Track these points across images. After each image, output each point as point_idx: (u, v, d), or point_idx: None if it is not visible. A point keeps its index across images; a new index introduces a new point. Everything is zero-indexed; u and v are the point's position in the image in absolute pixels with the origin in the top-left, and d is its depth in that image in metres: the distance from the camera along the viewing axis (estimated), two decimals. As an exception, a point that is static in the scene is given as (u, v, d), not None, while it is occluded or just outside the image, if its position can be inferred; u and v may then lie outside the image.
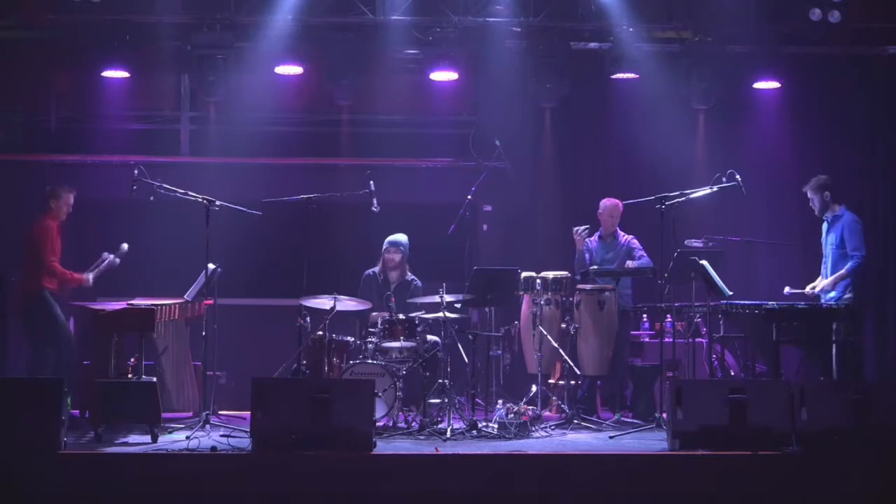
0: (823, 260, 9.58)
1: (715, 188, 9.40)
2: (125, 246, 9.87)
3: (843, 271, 9.35)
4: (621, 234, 10.34)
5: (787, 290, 9.59)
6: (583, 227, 10.23)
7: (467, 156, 11.58)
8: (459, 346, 9.55)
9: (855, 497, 7.69)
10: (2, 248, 10.40)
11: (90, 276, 9.76)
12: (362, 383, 8.39)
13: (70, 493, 7.55)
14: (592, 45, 11.30)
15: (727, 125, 11.55)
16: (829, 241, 9.51)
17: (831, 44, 11.00)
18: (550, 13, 10.77)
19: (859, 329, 9.32)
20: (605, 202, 10.33)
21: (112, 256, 9.85)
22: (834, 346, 9.19)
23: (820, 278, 9.60)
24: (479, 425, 8.96)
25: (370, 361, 9.29)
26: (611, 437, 8.88)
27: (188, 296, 9.48)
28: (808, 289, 9.56)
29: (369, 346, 9.48)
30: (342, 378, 9.10)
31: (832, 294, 9.35)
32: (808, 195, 9.58)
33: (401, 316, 9.58)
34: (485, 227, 11.81)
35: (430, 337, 9.63)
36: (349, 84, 10.96)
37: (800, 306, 9.22)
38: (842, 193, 9.60)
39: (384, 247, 10.28)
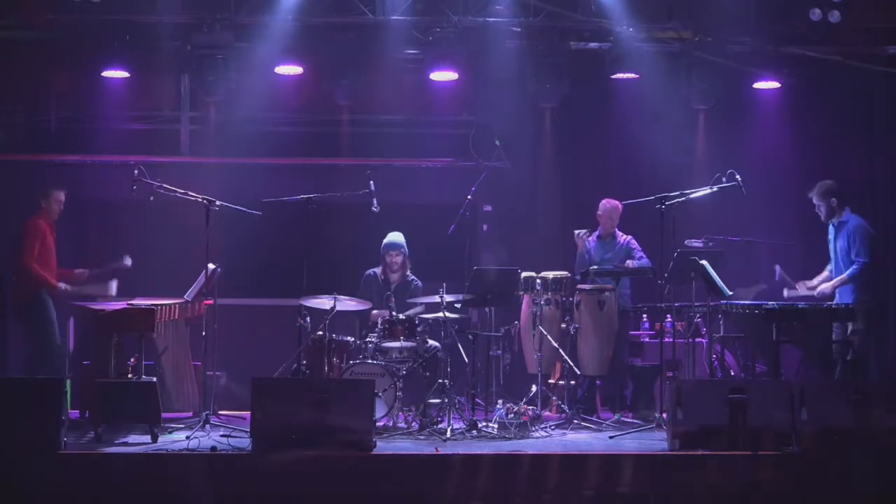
0: (833, 265, 9.58)
1: (715, 188, 9.39)
2: (128, 260, 9.96)
3: (844, 276, 9.36)
4: (620, 234, 10.35)
5: (778, 268, 9.59)
6: (583, 231, 10.27)
7: (467, 156, 11.58)
8: (459, 346, 9.55)
9: (855, 497, 7.70)
10: (2, 248, 10.39)
11: (66, 287, 9.73)
12: (362, 383, 8.39)
13: (70, 493, 7.55)
14: (592, 45, 11.30)
15: (727, 125, 11.54)
16: (837, 248, 9.51)
17: (831, 44, 11.00)
18: (550, 13, 10.76)
19: (861, 329, 9.32)
20: (605, 203, 10.34)
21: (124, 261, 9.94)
22: (835, 346, 9.21)
23: (818, 279, 9.62)
24: (479, 425, 8.96)
25: (370, 361, 9.28)
26: (611, 437, 8.88)
27: (188, 296, 9.48)
28: (801, 285, 9.56)
29: (369, 346, 9.48)
30: (342, 378, 9.10)
31: (846, 300, 9.36)
32: (814, 201, 9.57)
33: (401, 316, 9.58)
34: (485, 227, 11.81)
35: (430, 342, 9.63)
36: (349, 84, 10.95)
37: (800, 306, 9.22)
38: (846, 197, 9.59)
39: (384, 249, 10.27)
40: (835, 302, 9.43)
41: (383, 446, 8.20)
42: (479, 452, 8.05)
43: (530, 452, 8.10)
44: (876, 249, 9.61)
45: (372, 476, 7.71)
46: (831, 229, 9.58)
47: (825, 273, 9.68)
